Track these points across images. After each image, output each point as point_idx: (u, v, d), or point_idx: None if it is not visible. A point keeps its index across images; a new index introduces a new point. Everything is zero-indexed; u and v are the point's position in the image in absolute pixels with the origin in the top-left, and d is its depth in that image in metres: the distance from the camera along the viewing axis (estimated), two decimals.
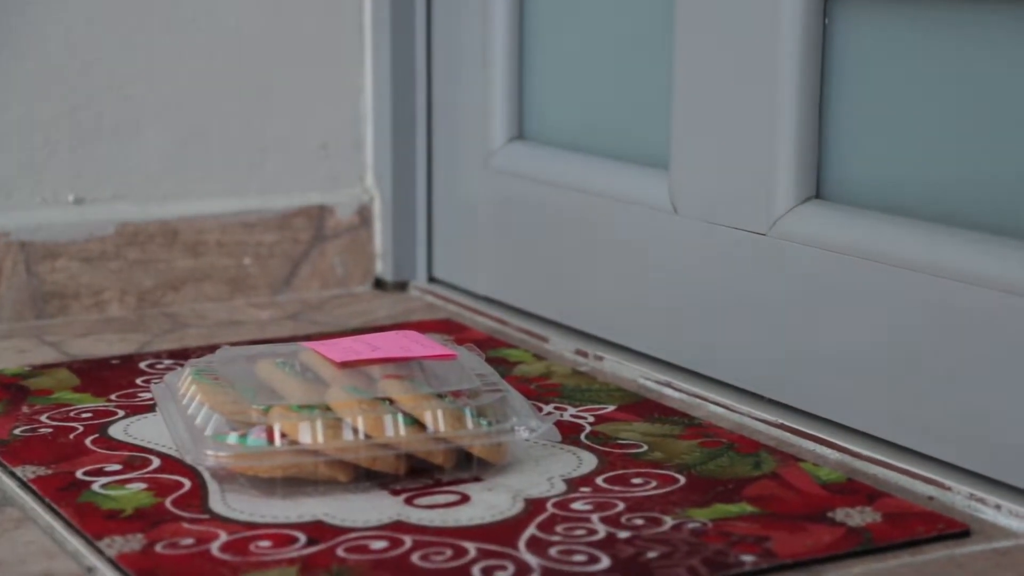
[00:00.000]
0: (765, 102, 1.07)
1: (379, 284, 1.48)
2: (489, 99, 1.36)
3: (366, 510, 0.90)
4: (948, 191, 0.98)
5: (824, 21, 1.04)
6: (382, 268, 1.48)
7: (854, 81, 1.04)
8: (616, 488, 0.93)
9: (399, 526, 0.88)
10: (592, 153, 1.28)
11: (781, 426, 1.05)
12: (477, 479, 0.95)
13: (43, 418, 1.07)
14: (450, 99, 1.41)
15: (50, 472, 0.96)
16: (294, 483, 0.92)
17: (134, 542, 0.85)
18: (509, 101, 1.35)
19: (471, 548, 0.85)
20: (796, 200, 1.06)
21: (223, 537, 0.86)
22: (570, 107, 1.32)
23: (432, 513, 0.89)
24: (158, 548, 0.85)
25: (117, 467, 0.97)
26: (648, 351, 1.20)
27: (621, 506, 0.90)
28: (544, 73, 1.34)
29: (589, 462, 0.98)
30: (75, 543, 0.87)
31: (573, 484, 0.94)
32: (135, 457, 0.99)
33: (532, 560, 0.83)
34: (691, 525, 0.88)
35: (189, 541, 0.86)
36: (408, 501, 0.91)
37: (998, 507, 0.90)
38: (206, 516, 0.89)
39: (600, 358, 1.21)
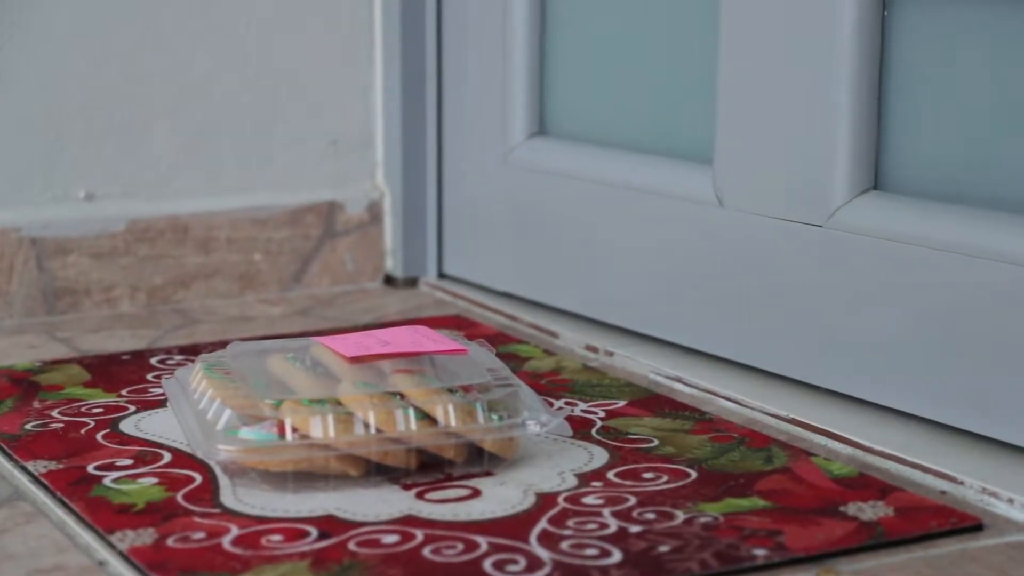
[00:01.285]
0: (821, 92, 1.06)
1: (389, 280, 1.48)
2: (509, 94, 1.35)
3: (377, 504, 0.90)
4: (1013, 179, 0.98)
5: (884, 12, 1.04)
6: (392, 264, 1.48)
7: (914, 70, 1.03)
8: (627, 482, 0.93)
9: (410, 520, 0.87)
10: (621, 148, 1.27)
11: (793, 421, 1.05)
12: (488, 473, 0.94)
13: (54, 413, 1.07)
14: (465, 94, 1.41)
15: (61, 467, 0.96)
16: (305, 477, 0.92)
17: (145, 536, 0.85)
18: (530, 96, 1.35)
19: (482, 542, 0.84)
20: (854, 192, 1.06)
21: (234, 531, 0.86)
22: (595, 102, 1.31)
23: (443, 507, 0.89)
24: (170, 542, 0.85)
25: (128, 462, 0.97)
26: (692, 345, 1.19)
27: (632, 500, 0.90)
28: (567, 67, 1.33)
29: (600, 456, 0.98)
30: (87, 537, 0.87)
31: (584, 478, 0.94)
32: (146, 452, 0.99)
33: (544, 554, 0.83)
34: (703, 519, 0.87)
35: (200, 535, 0.86)
36: (419, 495, 0.91)
37: (1011, 501, 0.90)
38: (217, 510, 0.89)
39: (610, 353, 1.21)
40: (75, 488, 0.93)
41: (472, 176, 1.41)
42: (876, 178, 1.06)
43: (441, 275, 1.47)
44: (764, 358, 1.13)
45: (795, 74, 1.09)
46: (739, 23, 1.13)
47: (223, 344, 1.19)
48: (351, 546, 0.84)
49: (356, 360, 0.97)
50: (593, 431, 1.03)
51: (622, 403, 1.09)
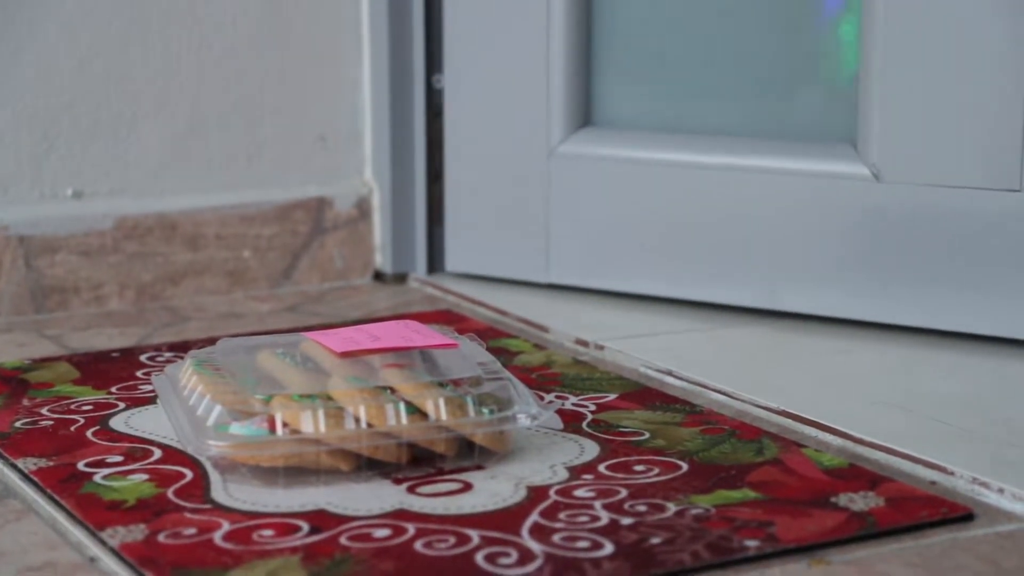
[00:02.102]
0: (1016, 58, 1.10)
1: (378, 276, 1.48)
2: (553, 85, 1.35)
3: (368, 499, 0.90)
4: None
5: None
6: (381, 260, 1.47)
7: None
8: (618, 475, 0.93)
9: (402, 514, 0.87)
10: (698, 133, 1.30)
11: (783, 413, 1.05)
12: (479, 467, 0.94)
13: (44, 411, 1.06)
14: (487, 86, 1.39)
15: (51, 464, 0.96)
16: (296, 472, 0.92)
17: (136, 532, 0.85)
18: (576, 85, 1.35)
19: (474, 535, 0.84)
20: None
21: (226, 527, 0.86)
22: (666, 86, 1.32)
23: (435, 501, 0.89)
24: (161, 538, 0.84)
25: (119, 458, 0.97)
26: (853, 316, 1.22)
27: (624, 493, 0.90)
28: (623, 52, 1.34)
29: (591, 450, 0.98)
30: (77, 534, 0.87)
31: (575, 471, 0.94)
32: (136, 448, 0.99)
33: (536, 546, 0.83)
34: (694, 511, 0.88)
35: (192, 531, 0.85)
36: (411, 490, 0.91)
37: (1001, 491, 0.90)
38: (208, 506, 0.89)
39: (601, 347, 1.21)
40: (65, 485, 0.92)
41: (510, 170, 1.39)
42: None
43: (431, 270, 1.47)
44: (958, 320, 1.18)
45: (982, 43, 1.12)
46: None
47: (213, 341, 1.18)
48: (343, 540, 0.84)
49: (346, 355, 0.97)
50: (584, 424, 1.03)
51: (613, 396, 1.09)
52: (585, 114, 1.36)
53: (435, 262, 1.47)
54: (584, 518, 0.87)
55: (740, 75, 1.28)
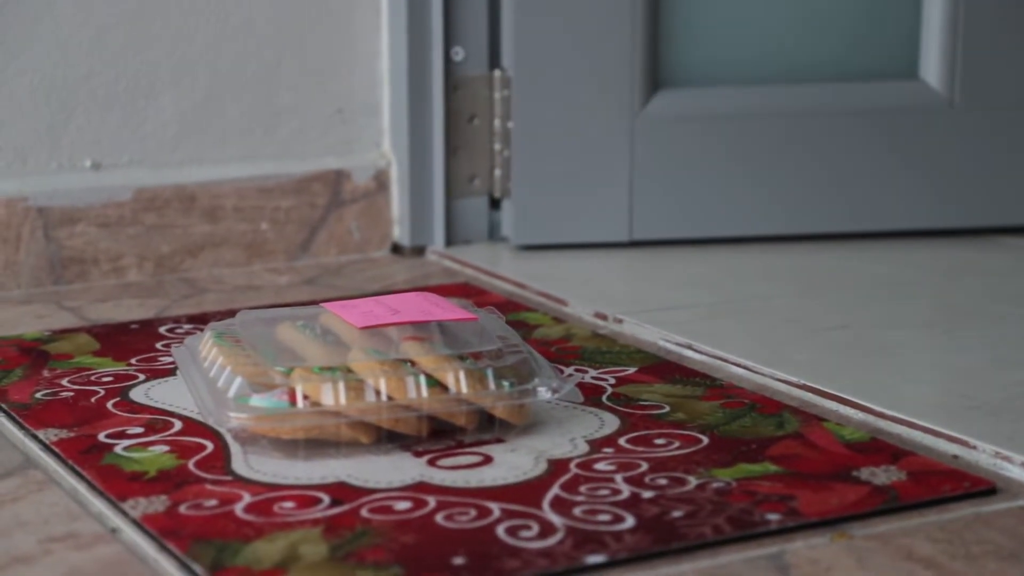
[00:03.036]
0: None
1: (396, 249, 1.47)
2: (636, 49, 1.40)
3: (389, 471, 0.90)
4: None
5: None
6: (399, 233, 1.47)
7: None
8: (639, 449, 0.93)
9: (422, 487, 0.87)
10: (771, 83, 1.42)
11: (804, 387, 1.05)
12: (499, 440, 0.94)
13: (64, 382, 1.07)
14: (563, 58, 1.41)
15: (72, 435, 0.96)
16: (316, 445, 0.92)
17: (158, 503, 0.85)
18: (652, 48, 1.41)
19: (495, 508, 0.84)
20: None
21: (247, 498, 0.86)
22: (730, 45, 1.42)
23: (455, 474, 0.89)
24: (182, 509, 0.85)
25: (139, 430, 0.97)
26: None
27: (644, 466, 0.90)
28: (687, 16, 1.42)
29: (611, 423, 0.98)
30: (99, 505, 0.87)
31: (596, 445, 0.94)
32: (157, 420, 0.99)
33: (557, 520, 0.83)
34: (715, 484, 0.87)
35: (213, 502, 0.85)
36: (431, 462, 0.91)
37: None
38: (229, 478, 0.89)
39: (620, 320, 1.21)
40: (86, 456, 0.93)
41: (591, 136, 1.42)
42: None
43: (449, 243, 1.46)
44: None
45: None
46: None
47: (231, 313, 1.18)
48: (363, 513, 0.84)
49: (366, 328, 0.97)
50: (604, 398, 1.03)
51: (632, 370, 1.09)
52: (657, 77, 1.41)
53: (452, 235, 1.47)
54: (605, 491, 0.87)
55: (806, 23, 1.39)
